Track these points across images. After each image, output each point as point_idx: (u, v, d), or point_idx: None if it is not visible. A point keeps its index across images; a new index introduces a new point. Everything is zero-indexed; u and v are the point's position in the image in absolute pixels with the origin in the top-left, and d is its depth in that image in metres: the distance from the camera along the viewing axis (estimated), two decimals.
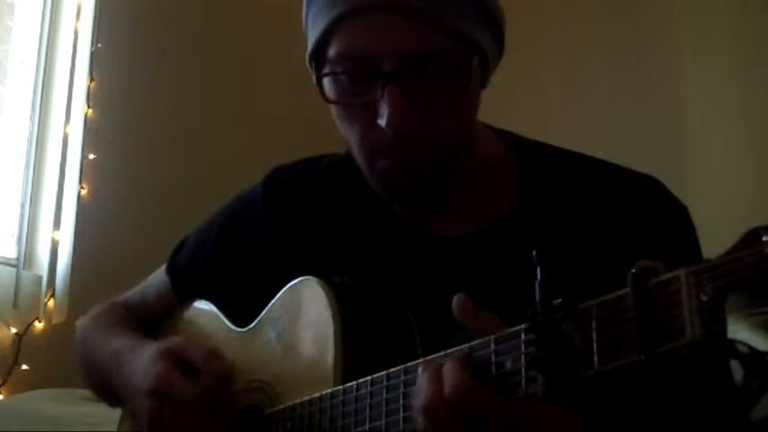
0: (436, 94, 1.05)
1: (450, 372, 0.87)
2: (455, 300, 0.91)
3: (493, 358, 0.86)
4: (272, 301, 1.21)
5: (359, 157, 1.11)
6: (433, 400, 0.87)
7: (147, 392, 1.13)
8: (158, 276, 1.44)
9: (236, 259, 1.32)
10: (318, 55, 1.09)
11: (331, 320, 1.08)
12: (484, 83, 1.12)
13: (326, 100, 1.09)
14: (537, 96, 3.24)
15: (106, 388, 1.32)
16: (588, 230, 1.11)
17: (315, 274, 1.14)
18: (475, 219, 1.16)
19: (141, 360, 1.18)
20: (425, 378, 0.90)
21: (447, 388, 0.86)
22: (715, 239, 0.74)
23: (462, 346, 0.90)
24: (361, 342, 1.08)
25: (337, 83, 1.08)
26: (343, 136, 1.13)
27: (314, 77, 1.10)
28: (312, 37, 1.09)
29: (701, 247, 1.11)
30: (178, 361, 1.14)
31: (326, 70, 1.08)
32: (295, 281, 1.17)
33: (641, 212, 1.12)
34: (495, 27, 1.10)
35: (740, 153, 2.83)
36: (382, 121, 1.03)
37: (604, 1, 3.23)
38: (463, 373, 0.86)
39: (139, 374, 1.17)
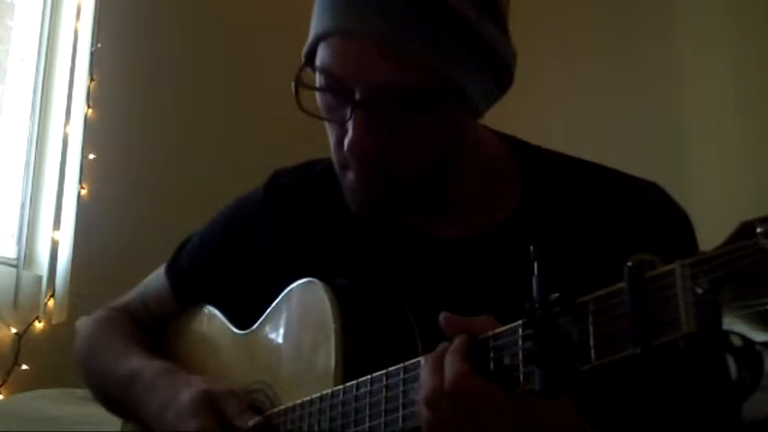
0: (401, 127, 1.06)
1: (450, 364, 0.88)
2: (440, 318, 0.93)
3: (491, 354, 0.86)
4: (274, 303, 1.22)
5: (333, 162, 1.13)
6: (435, 392, 0.88)
7: None
8: (157, 279, 1.44)
9: (238, 262, 1.32)
10: (310, 57, 1.10)
11: (332, 321, 1.09)
12: (473, 117, 1.12)
13: (301, 109, 1.10)
14: (537, 98, 3.23)
15: (118, 405, 1.33)
16: (589, 235, 1.11)
17: (316, 277, 1.15)
18: (477, 221, 1.16)
19: (178, 397, 1.18)
20: (427, 370, 0.90)
21: (447, 380, 0.87)
22: (713, 239, 0.74)
23: (462, 337, 0.90)
24: (361, 343, 1.08)
25: (319, 95, 1.10)
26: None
27: (293, 84, 1.10)
28: (309, 36, 1.11)
29: None
30: (216, 410, 1.15)
31: (314, 80, 1.10)
32: (296, 283, 1.18)
33: (642, 218, 1.12)
34: (491, 61, 1.08)
35: (739, 154, 2.83)
36: (345, 142, 1.05)
37: (604, 3, 3.23)
38: (463, 364, 0.87)
39: (176, 414, 1.18)
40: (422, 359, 0.95)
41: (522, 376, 0.82)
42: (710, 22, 2.97)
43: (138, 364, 1.30)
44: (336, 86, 1.07)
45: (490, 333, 0.87)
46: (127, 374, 1.29)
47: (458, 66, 1.05)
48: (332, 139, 1.11)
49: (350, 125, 1.05)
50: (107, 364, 1.35)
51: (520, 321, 0.83)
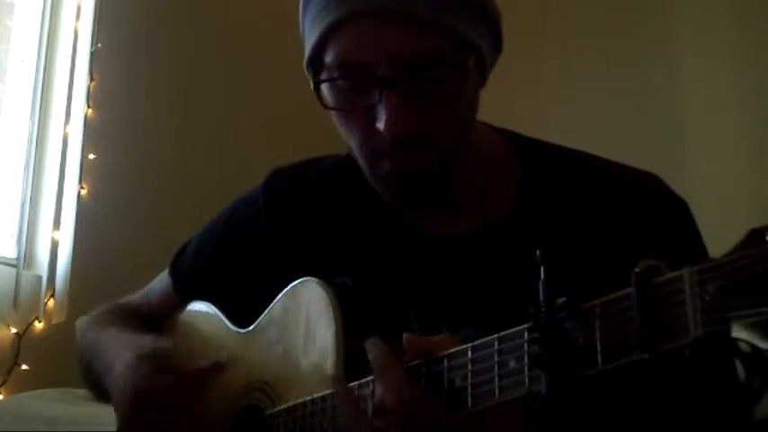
0: (433, 96, 1.05)
1: (400, 387, 0.91)
2: (403, 341, 0.95)
3: (496, 358, 0.86)
4: (274, 302, 1.22)
5: (361, 160, 1.12)
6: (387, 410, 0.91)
7: (132, 397, 1.16)
8: (162, 279, 1.45)
9: (238, 261, 1.32)
10: (315, 61, 1.10)
11: (332, 321, 1.09)
12: (482, 82, 1.13)
13: (325, 106, 1.10)
14: (537, 96, 3.24)
15: (99, 385, 1.33)
16: (589, 228, 1.11)
17: (316, 275, 1.15)
18: (476, 217, 1.17)
19: (122, 360, 1.20)
20: (381, 391, 0.93)
21: (398, 400, 0.90)
22: (714, 240, 0.74)
23: (416, 362, 0.93)
24: (361, 342, 1.08)
25: (335, 89, 1.08)
26: (344, 139, 1.13)
27: (311, 84, 1.10)
28: (308, 44, 1.10)
29: (703, 241, 1.11)
30: (160, 366, 1.16)
31: (324, 77, 1.09)
32: (296, 282, 1.18)
33: (641, 209, 1.12)
34: (492, 25, 1.11)
35: (739, 154, 2.83)
36: (381, 125, 1.04)
37: (604, 2, 3.23)
38: (414, 389, 0.90)
39: (122, 377, 1.19)
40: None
41: (527, 380, 0.82)
42: (710, 21, 2.97)
43: (108, 337, 1.32)
44: (358, 74, 1.06)
45: (495, 336, 0.87)
46: (103, 350, 1.31)
47: (472, 28, 1.06)
48: (356, 133, 1.09)
49: (381, 107, 1.04)
50: (92, 348, 1.36)
51: (526, 325, 0.83)
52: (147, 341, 1.23)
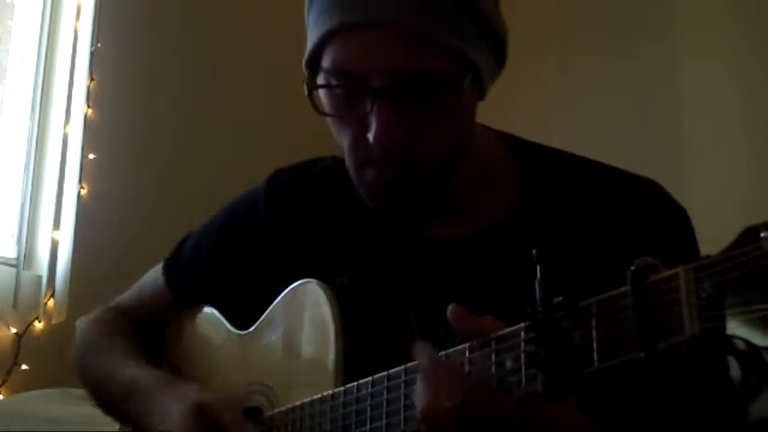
0: (426, 113, 1.05)
1: (451, 380, 0.88)
2: (449, 309, 0.92)
3: (493, 357, 0.86)
4: (273, 304, 1.22)
5: (348, 164, 1.12)
6: (433, 407, 0.88)
7: None
8: (153, 278, 1.44)
9: (237, 261, 1.32)
10: (313, 63, 1.10)
11: (331, 322, 1.09)
12: (480, 95, 1.12)
13: (319, 112, 1.10)
14: (537, 97, 3.24)
15: (117, 411, 1.32)
16: (588, 233, 1.11)
17: (316, 277, 1.15)
18: (475, 220, 1.17)
19: (172, 411, 1.17)
20: (423, 385, 0.90)
21: (445, 395, 0.87)
22: (713, 242, 0.74)
23: (461, 347, 0.90)
24: (361, 343, 1.09)
25: (330, 94, 1.09)
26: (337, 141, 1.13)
27: (305, 89, 1.10)
28: (309, 42, 1.10)
29: (699, 251, 1.11)
30: (209, 421, 1.13)
31: (320, 81, 1.09)
32: (296, 283, 1.18)
33: (641, 216, 1.12)
34: (496, 43, 1.10)
35: (739, 155, 2.83)
36: (370, 136, 1.04)
37: (604, 3, 3.23)
38: (460, 378, 0.88)
39: (169, 428, 1.17)
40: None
41: (524, 379, 0.83)
42: (710, 22, 2.97)
43: (137, 372, 1.29)
44: (352, 81, 1.06)
45: (492, 336, 0.87)
46: (126, 383, 1.29)
47: (473, 46, 1.06)
48: (347, 139, 1.10)
49: (372, 117, 1.04)
50: (105, 369, 1.35)
51: (522, 324, 0.83)
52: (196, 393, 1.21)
